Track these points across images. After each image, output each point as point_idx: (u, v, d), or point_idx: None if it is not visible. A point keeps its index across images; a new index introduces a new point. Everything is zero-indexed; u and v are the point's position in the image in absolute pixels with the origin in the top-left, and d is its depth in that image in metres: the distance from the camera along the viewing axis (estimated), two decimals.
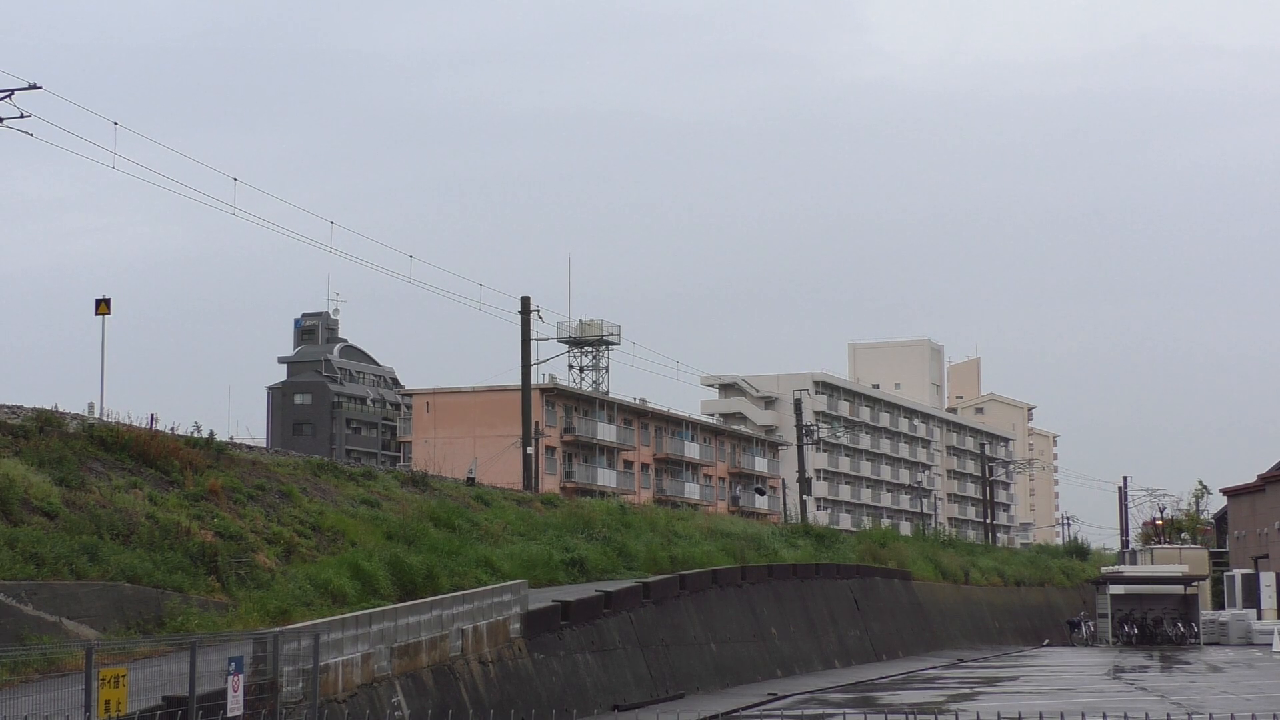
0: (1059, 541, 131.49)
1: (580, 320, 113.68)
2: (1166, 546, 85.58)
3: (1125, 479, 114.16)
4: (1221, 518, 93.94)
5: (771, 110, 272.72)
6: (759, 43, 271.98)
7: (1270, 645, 57.74)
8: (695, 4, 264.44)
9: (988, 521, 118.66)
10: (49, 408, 32.27)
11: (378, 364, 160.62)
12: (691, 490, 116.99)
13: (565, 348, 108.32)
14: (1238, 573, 74.99)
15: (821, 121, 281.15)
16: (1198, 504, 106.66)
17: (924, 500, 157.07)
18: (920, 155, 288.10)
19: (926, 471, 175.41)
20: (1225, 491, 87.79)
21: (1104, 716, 21.67)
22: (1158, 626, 65.84)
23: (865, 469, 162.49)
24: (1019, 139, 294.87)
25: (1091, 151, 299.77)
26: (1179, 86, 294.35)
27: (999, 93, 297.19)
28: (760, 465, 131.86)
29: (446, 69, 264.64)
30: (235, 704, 19.44)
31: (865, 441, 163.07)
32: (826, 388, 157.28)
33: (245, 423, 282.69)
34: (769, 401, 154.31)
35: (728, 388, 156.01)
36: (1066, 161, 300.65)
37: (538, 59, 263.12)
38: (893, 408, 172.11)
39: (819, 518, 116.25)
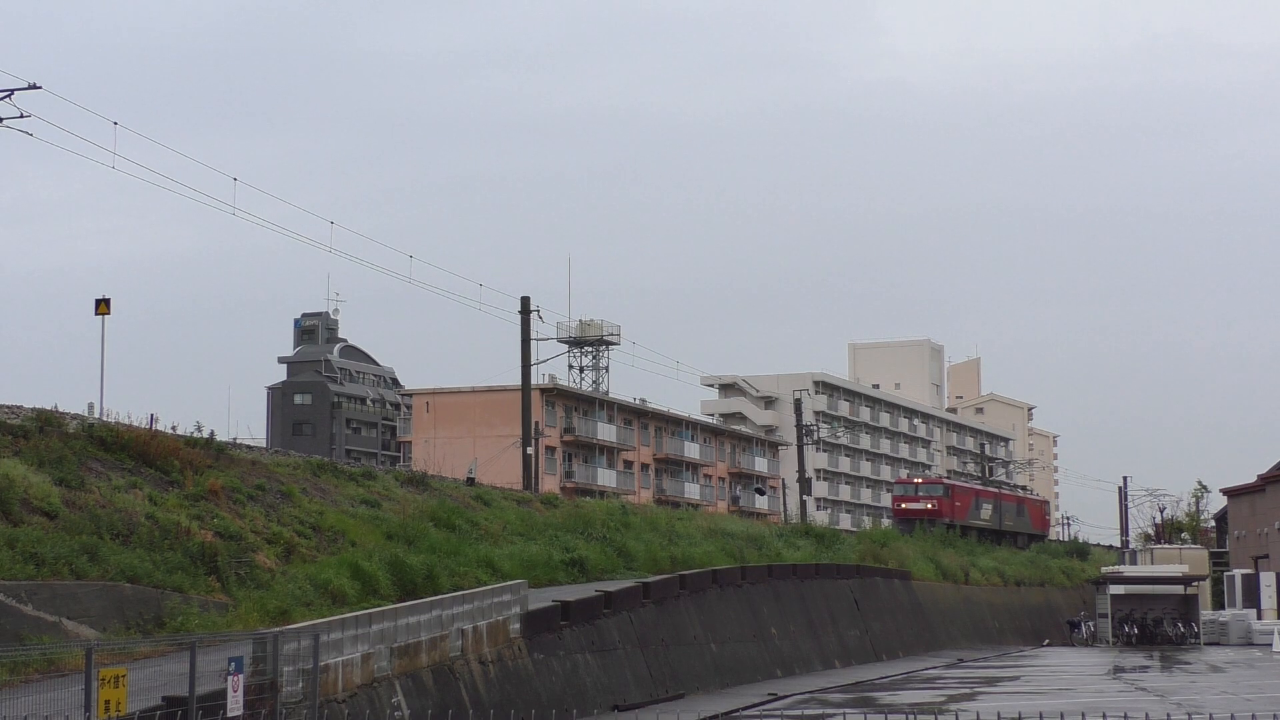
0: (1057, 540, 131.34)
1: (580, 320, 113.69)
2: (1166, 546, 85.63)
3: (1125, 479, 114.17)
4: (1221, 518, 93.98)
5: (776, 111, 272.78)
6: (769, 44, 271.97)
7: (1270, 645, 57.76)
8: (704, 6, 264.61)
9: None
10: (49, 408, 32.30)
11: (378, 364, 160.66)
12: (691, 490, 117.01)
13: (565, 348, 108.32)
14: (1238, 573, 74.99)
15: (826, 122, 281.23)
16: (1198, 504, 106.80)
17: None
18: (924, 156, 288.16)
19: (927, 471, 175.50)
20: (1225, 491, 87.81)
21: (1104, 716, 21.69)
22: (1158, 626, 65.84)
23: (865, 469, 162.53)
24: (1026, 139, 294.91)
25: (1096, 151, 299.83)
26: (1188, 87, 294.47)
27: (1008, 93, 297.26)
28: (760, 465, 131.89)
29: (449, 70, 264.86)
30: (235, 704, 19.44)
31: (865, 441, 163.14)
32: (826, 388, 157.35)
33: (245, 423, 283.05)
34: (769, 401, 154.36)
35: (728, 388, 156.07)
36: (1071, 161, 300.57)
37: (543, 62, 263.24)
38: (893, 408, 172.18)
39: (819, 518, 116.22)
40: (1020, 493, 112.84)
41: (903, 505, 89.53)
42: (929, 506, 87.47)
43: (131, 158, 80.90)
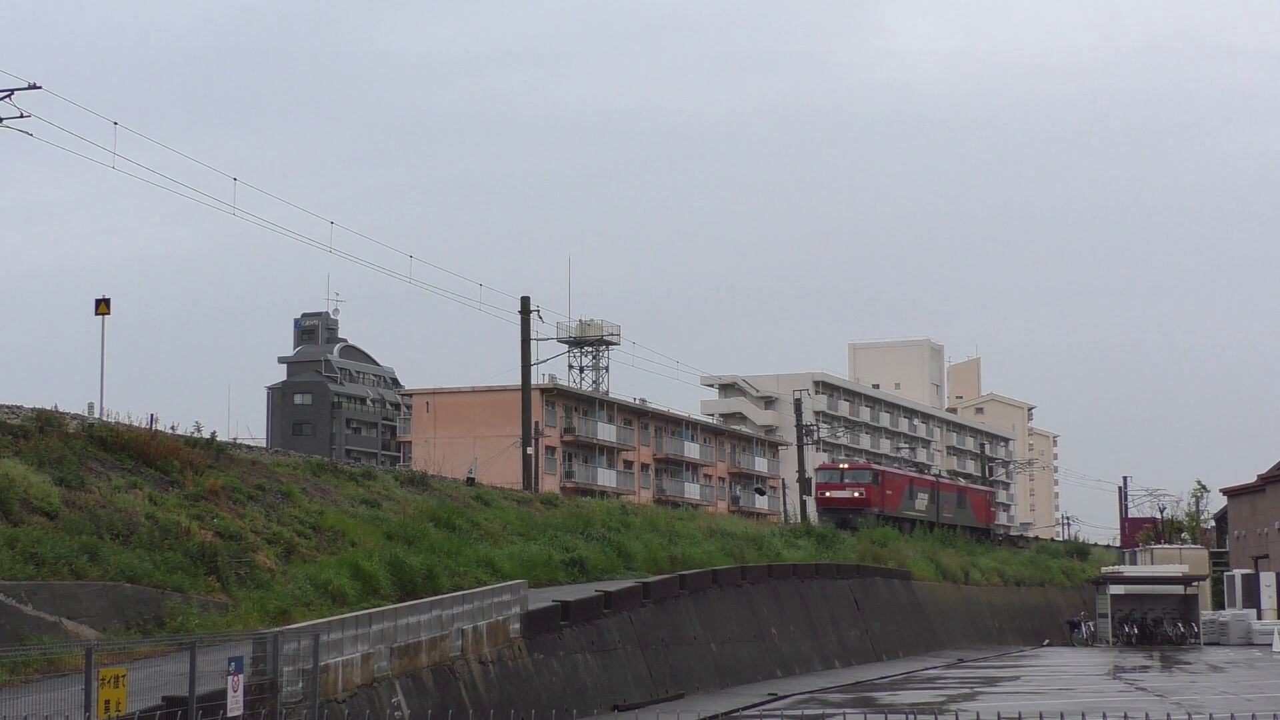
0: (1055, 539, 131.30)
1: (580, 320, 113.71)
2: (1166, 546, 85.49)
3: (1125, 479, 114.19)
4: (1221, 518, 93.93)
5: (776, 112, 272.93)
6: (769, 44, 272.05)
7: (1270, 645, 57.73)
8: (704, 6, 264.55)
9: None
10: (49, 408, 32.28)
11: (378, 364, 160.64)
12: (691, 490, 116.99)
13: (565, 348, 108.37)
14: (1238, 573, 74.97)
15: (827, 123, 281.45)
16: (1197, 504, 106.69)
17: None
18: (925, 156, 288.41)
19: (925, 471, 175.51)
20: (1225, 491, 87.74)
21: (1104, 716, 21.69)
22: (1158, 626, 65.82)
23: None
24: (1027, 140, 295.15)
25: (1098, 152, 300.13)
26: (1188, 87, 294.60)
27: (1009, 94, 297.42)
28: (760, 465, 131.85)
29: (449, 70, 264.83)
30: (235, 704, 19.44)
31: (865, 441, 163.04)
32: (826, 388, 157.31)
33: (245, 423, 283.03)
34: (769, 401, 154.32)
35: (728, 388, 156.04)
36: (1072, 162, 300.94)
37: (543, 62, 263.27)
38: (893, 408, 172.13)
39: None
40: (961, 482, 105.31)
41: (827, 494, 79.74)
42: (856, 495, 78.47)
43: (131, 158, 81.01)
